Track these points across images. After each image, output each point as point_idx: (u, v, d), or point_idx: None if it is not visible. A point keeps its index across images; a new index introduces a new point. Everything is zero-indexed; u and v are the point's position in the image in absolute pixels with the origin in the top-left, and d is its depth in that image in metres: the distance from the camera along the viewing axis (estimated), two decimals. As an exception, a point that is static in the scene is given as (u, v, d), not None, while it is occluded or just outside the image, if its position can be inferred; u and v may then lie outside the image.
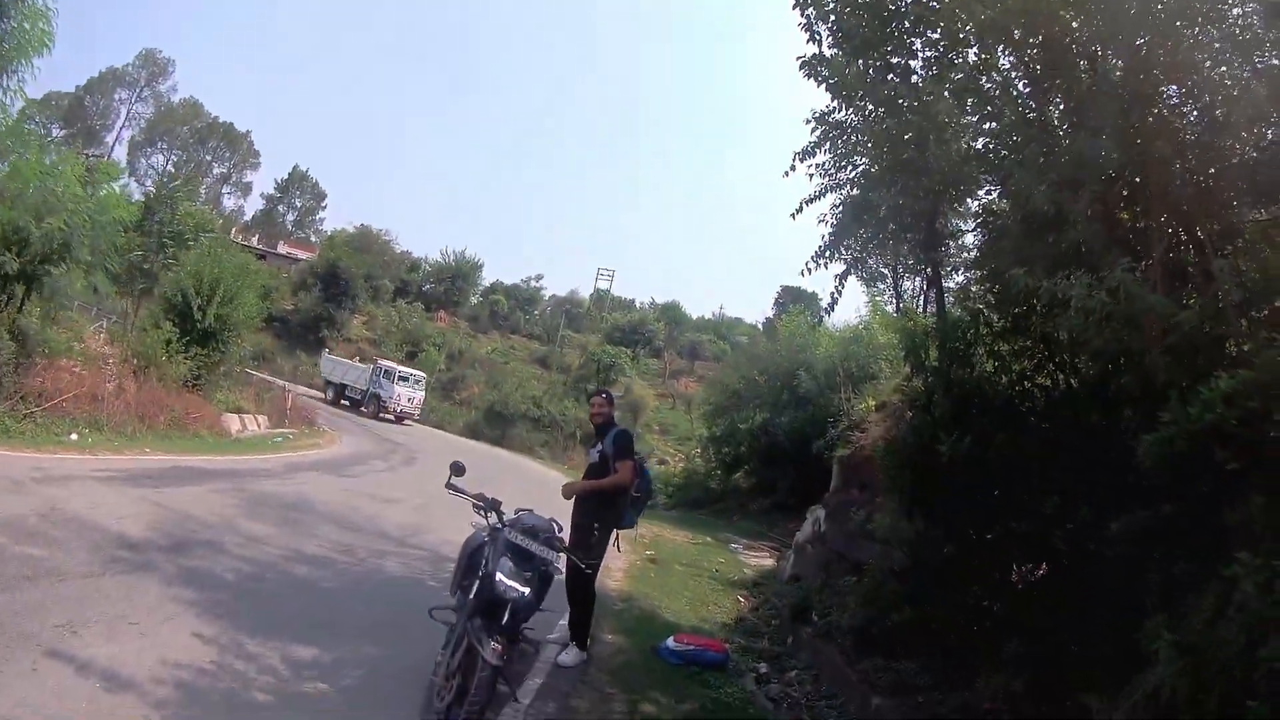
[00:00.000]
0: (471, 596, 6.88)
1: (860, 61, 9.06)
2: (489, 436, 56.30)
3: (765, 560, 20.67)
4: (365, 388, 54.80)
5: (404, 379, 54.68)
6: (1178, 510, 5.63)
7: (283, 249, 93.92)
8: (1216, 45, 6.82)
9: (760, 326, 66.19)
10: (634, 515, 9.80)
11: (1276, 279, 5.69)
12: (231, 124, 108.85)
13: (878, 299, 26.42)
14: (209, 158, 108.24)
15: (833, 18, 9.15)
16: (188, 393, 24.13)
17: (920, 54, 9.10)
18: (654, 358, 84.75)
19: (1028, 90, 8.31)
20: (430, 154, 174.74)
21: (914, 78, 8.99)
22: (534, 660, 8.98)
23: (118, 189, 25.20)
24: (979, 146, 8.85)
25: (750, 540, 24.41)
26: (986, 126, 8.59)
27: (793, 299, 54.42)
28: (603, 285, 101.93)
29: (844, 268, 11.11)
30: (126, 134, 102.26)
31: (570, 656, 9.23)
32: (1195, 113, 7.13)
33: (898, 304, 23.08)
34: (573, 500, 9.53)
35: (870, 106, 9.39)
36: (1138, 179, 7.12)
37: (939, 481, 8.45)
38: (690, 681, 9.40)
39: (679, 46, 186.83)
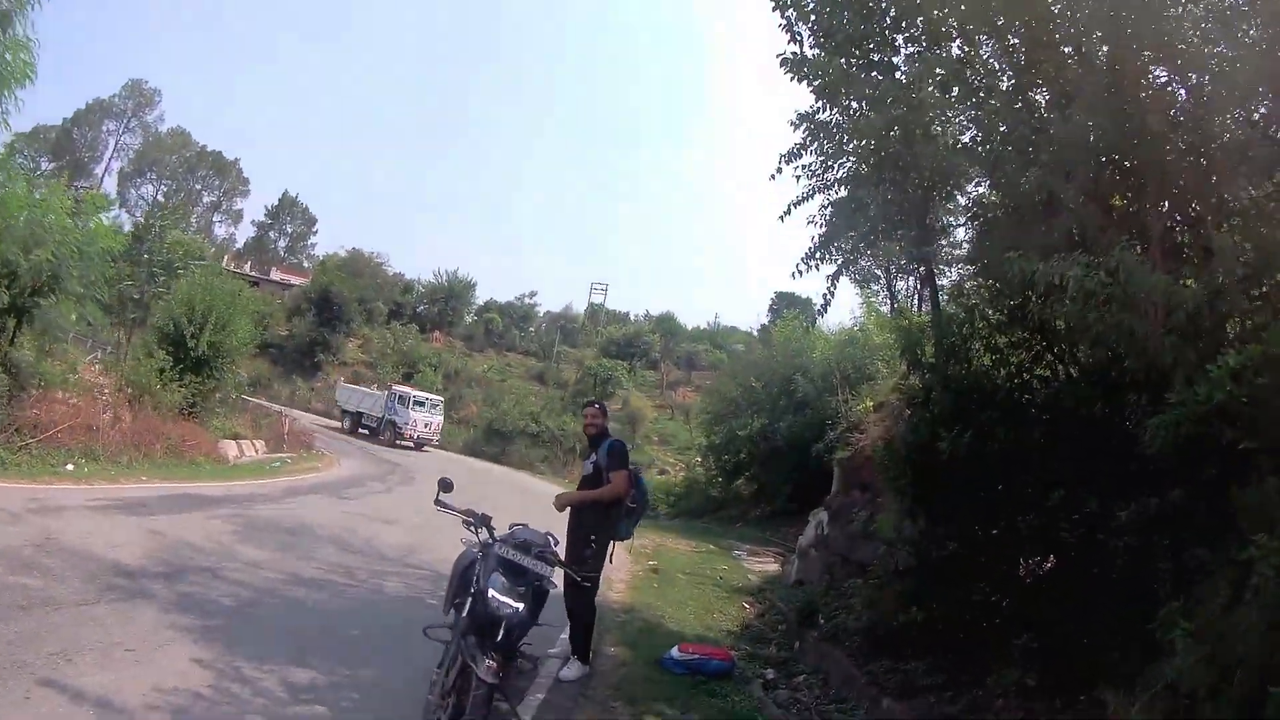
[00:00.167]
0: (464, 614, 6.75)
1: (843, 60, 8.97)
2: (488, 454, 56.08)
3: (769, 566, 20.55)
4: (381, 415, 53.08)
5: (420, 404, 52.89)
6: (1187, 495, 5.54)
7: (275, 275, 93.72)
8: (1203, 25, 6.75)
9: (755, 334, 65.99)
10: (630, 526, 9.70)
11: (1277, 254, 5.59)
12: (220, 152, 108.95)
13: (872, 300, 26.44)
14: (199, 186, 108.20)
15: (813, 17, 9.09)
16: (183, 420, 24.00)
17: (903, 50, 9.03)
18: (651, 369, 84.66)
19: (1013, 81, 8.22)
20: (420, 176, 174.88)
21: (898, 74, 8.89)
22: (535, 676, 8.86)
23: (108, 220, 25.22)
24: (966, 140, 8.79)
25: (753, 546, 24.38)
26: (973, 115, 8.50)
27: (787, 304, 54.17)
28: (597, 299, 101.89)
29: (835, 268, 11.01)
30: (116, 165, 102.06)
31: (572, 671, 9.10)
32: (1184, 92, 7.07)
33: (892, 304, 23.16)
34: (567, 513, 9.41)
35: (855, 105, 9.29)
36: (1129, 162, 7.05)
37: (940, 479, 8.37)
38: (696, 691, 9.23)
39: (665, 55, 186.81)
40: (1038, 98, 8.06)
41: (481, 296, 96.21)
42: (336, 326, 74.76)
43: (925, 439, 8.53)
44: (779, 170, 10.32)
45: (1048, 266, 6.14)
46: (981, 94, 8.17)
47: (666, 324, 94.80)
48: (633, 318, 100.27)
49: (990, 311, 8.64)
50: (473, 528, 7.39)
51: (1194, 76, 6.89)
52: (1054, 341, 7.88)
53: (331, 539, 15.31)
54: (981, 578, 8.13)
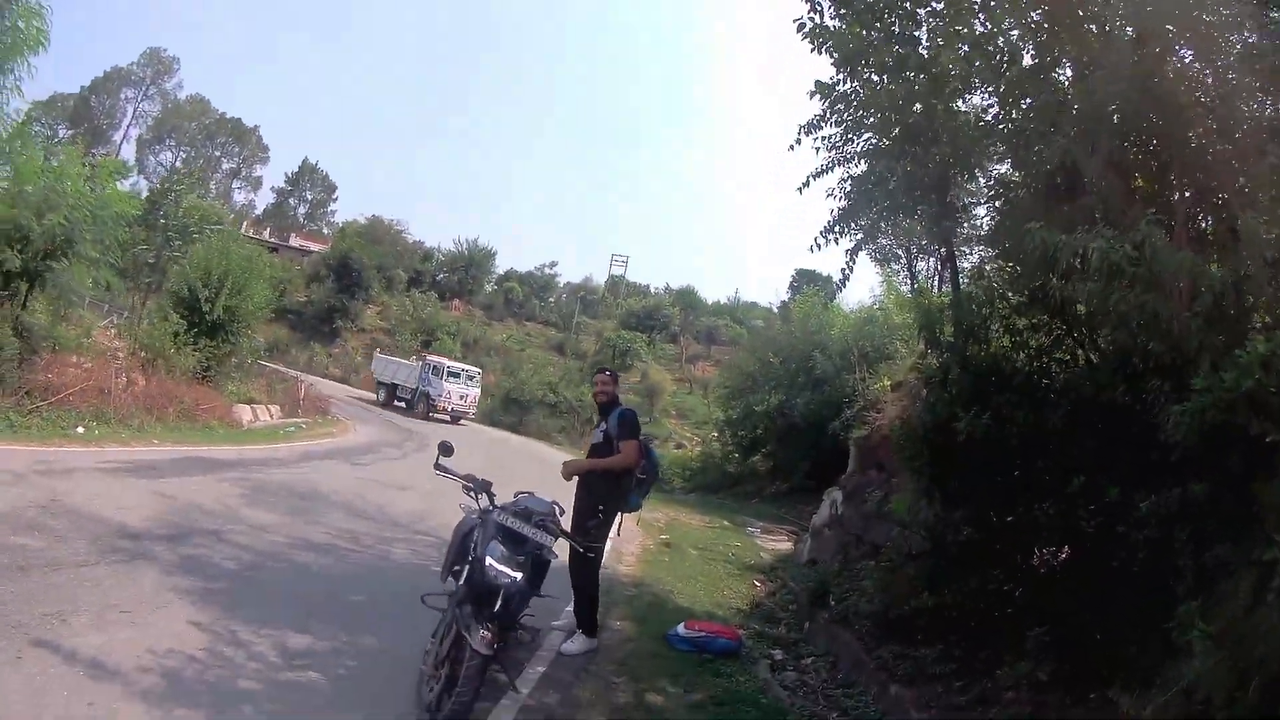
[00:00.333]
0: (461, 582, 6.66)
1: (864, 31, 8.78)
2: (506, 423, 55.90)
3: (783, 544, 20.45)
4: (415, 386, 51.36)
5: (454, 375, 51.09)
6: (1210, 488, 5.34)
7: (295, 241, 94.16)
8: (1223, 11, 6.54)
9: (775, 310, 65.77)
10: (639, 497, 9.67)
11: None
12: (239, 119, 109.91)
13: (892, 279, 26.21)
14: (218, 153, 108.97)
15: (834, -14, 8.92)
16: (198, 384, 24.08)
17: (924, 23, 8.83)
18: (670, 343, 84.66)
19: (1035, 59, 8.03)
20: (441, 143, 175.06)
21: (920, 48, 8.71)
22: (536, 649, 8.76)
23: (127, 186, 25.20)
24: (988, 118, 8.61)
25: (768, 523, 24.28)
26: (995, 90, 8.31)
27: (807, 281, 53.81)
28: (617, 271, 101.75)
29: (854, 243, 10.84)
30: (134, 132, 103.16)
31: (577, 644, 8.99)
32: (1209, 75, 6.86)
33: (913, 283, 22.88)
34: (575, 482, 9.27)
35: (875, 77, 9.11)
36: (1153, 142, 6.88)
37: (957, 460, 8.18)
38: (701, 670, 9.11)
39: (664, 55, 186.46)
40: (1060, 75, 7.87)
41: (502, 266, 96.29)
42: (355, 293, 75.16)
43: (942, 419, 8.33)
44: (798, 141, 10.12)
45: (1071, 239, 5.94)
46: (1004, 70, 7.97)
47: (687, 298, 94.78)
48: (653, 290, 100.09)
49: (1010, 294, 8.45)
50: (473, 494, 7.32)
51: (1219, 60, 6.69)
52: (1074, 325, 7.67)
53: (341, 504, 15.29)
54: (996, 565, 7.96)
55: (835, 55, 8.97)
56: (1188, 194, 6.66)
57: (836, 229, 10.36)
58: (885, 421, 14.56)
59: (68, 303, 20.39)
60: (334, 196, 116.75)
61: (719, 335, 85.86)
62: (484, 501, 7.26)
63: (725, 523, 24.03)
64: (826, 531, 15.32)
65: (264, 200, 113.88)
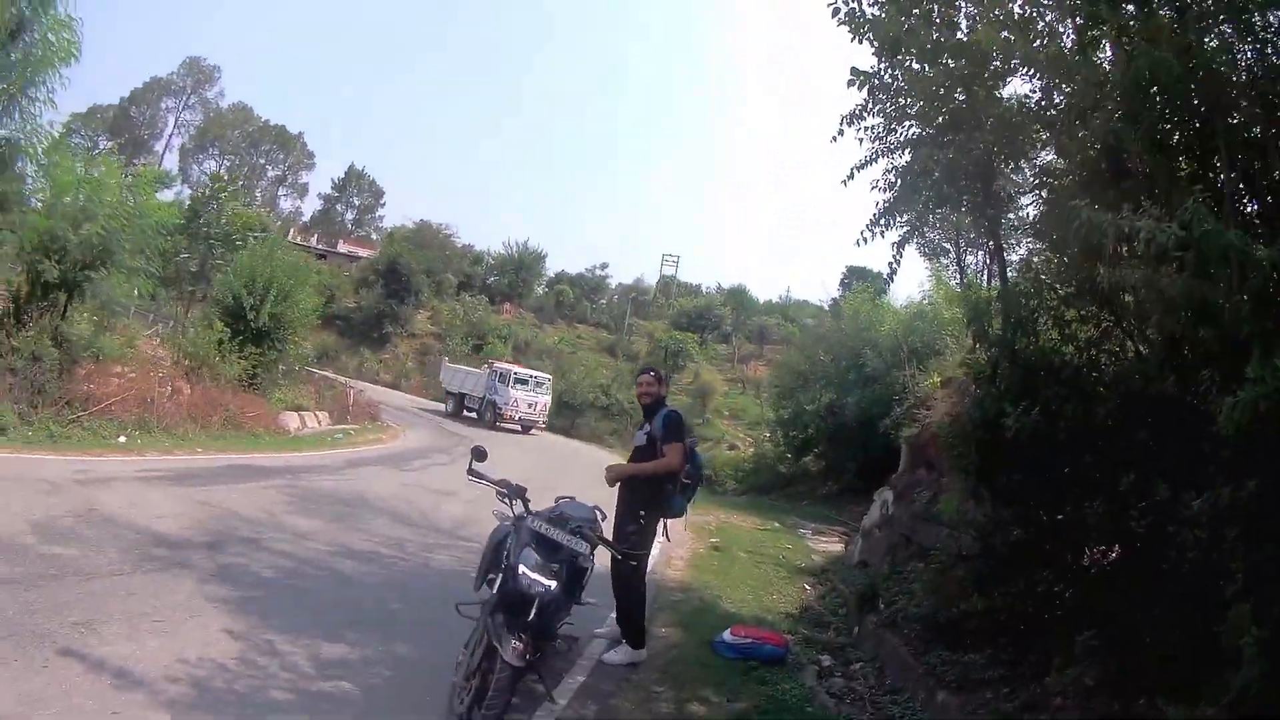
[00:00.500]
0: (494, 591, 6.52)
1: (902, 17, 8.58)
2: (558, 427, 55.09)
3: (834, 545, 20.18)
4: (482, 395, 49.12)
5: (521, 381, 48.39)
6: (1262, 484, 5.08)
7: (343, 248, 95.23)
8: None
9: (826, 307, 65.50)
10: (683, 502, 9.29)
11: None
12: (283, 126, 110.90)
13: (941, 274, 25.93)
14: (262, 161, 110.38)
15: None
16: (244, 392, 24.22)
17: (964, 8, 8.62)
18: (722, 343, 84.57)
19: (1074, 41, 7.82)
20: (488, 147, 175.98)
21: (960, 33, 8.51)
22: (577, 658, 8.60)
23: (171, 195, 25.44)
24: (1030, 103, 8.39)
25: (819, 524, 24.00)
26: (1036, 75, 8.10)
27: (857, 277, 53.42)
28: (668, 271, 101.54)
29: (901, 236, 10.65)
30: (177, 142, 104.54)
31: (620, 655, 8.78)
32: (1250, 51, 6.61)
33: (961, 277, 22.59)
34: (617, 486, 9.04)
35: (916, 64, 8.91)
36: (1196, 120, 6.63)
37: (1005, 458, 7.95)
38: (746, 678, 8.86)
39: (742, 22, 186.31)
40: (1100, 57, 7.64)
41: (552, 268, 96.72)
42: (405, 298, 75.59)
43: (990, 415, 8.10)
44: (840, 133, 9.96)
45: (1117, 219, 5.70)
46: (1043, 56, 7.75)
47: (738, 297, 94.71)
48: (704, 290, 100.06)
49: (1058, 285, 8.22)
50: (507, 500, 7.15)
51: (1259, 35, 6.46)
52: (1123, 315, 7.44)
53: (386, 510, 15.24)
54: (1045, 566, 7.72)
55: (875, 43, 8.81)
56: (1233, 175, 6.40)
57: (882, 222, 10.21)
58: (935, 419, 14.30)
59: (110, 313, 20.58)
60: (381, 202, 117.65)
61: (771, 334, 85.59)
62: (518, 508, 7.10)
63: (776, 524, 23.76)
64: (877, 532, 15.10)
65: (311, 207, 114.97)
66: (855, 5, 8.81)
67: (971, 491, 8.94)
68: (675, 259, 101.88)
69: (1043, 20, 7.99)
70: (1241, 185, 6.45)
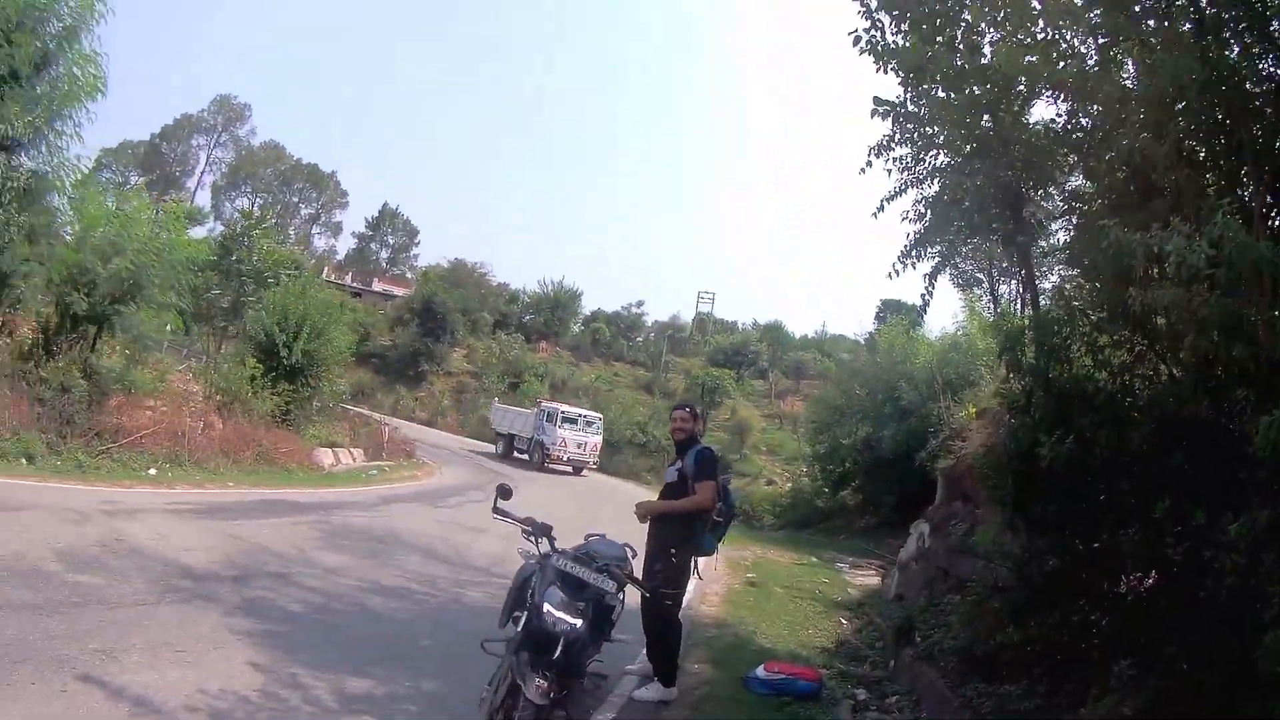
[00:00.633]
0: (519, 629, 6.42)
1: (926, 46, 8.54)
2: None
3: (871, 579, 20.01)
4: (531, 435, 47.66)
5: (569, 420, 46.91)
6: (1301, 507, 4.97)
7: (378, 286, 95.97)
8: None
9: (862, 341, 65.28)
10: (714, 541, 9.23)
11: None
12: (316, 165, 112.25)
13: (975, 304, 25.83)
14: (295, 199, 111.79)
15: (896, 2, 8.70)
16: (277, 428, 24.43)
17: (987, 33, 8.58)
18: (759, 379, 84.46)
19: (1097, 62, 7.75)
20: (524, 185, 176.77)
21: (983, 59, 8.46)
22: (608, 695, 8.49)
23: (204, 232, 25.75)
24: (1056, 126, 8.33)
25: (856, 558, 23.83)
26: (1061, 94, 8.05)
27: (892, 311, 53.16)
28: (704, 308, 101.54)
29: (933, 266, 10.58)
30: (209, 178, 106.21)
31: (651, 692, 8.66)
32: (1272, 61, 6.54)
33: (995, 307, 22.49)
34: (648, 523, 8.93)
35: (941, 92, 8.86)
36: (1222, 135, 6.54)
37: (1040, 488, 7.84)
38: (779, 714, 8.72)
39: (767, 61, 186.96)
40: (1124, 76, 7.58)
41: (588, 306, 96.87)
42: (440, 336, 75.85)
43: (1025, 445, 8.00)
44: (869, 164, 9.94)
45: (1145, 237, 5.62)
46: (1067, 76, 7.70)
47: (774, 332, 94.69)
48: (740, 326, 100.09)
49: (1090, 312, 8.12)
50: (532, 538, 7.07)
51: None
52: (1155, 339, 7.33)
53: (419, 547, 15.25)
54: (1082, 595, 7.59)
55: (900, 72, 8.77)
56: (1261, 188, 6.31)
57: (914, 253, 10.17)
58: (970, 450, 14.19)
59: (142, 347, 20.85)
60: (416, 241, 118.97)
61: (807, 369, 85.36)
62: (544, 546, 7.01)
63: (813, 559, 23.66)
64: (914, 565, 14.96)
65: (345, 245, 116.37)
66: (876, 34, 8.77)
67: (1008, 522, 8.86)
68: (711, 295, 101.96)
69: (1065, 41, 7.94)
70: (1269, 199, 6.35)
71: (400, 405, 66.99)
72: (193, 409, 21.59)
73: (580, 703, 7.64)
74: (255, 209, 75.96)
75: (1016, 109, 8.40)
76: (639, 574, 8.13)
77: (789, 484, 47.70)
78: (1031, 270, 10.91)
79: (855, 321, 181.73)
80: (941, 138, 9.43)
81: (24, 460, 15.45)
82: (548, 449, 45.45)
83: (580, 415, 48.49)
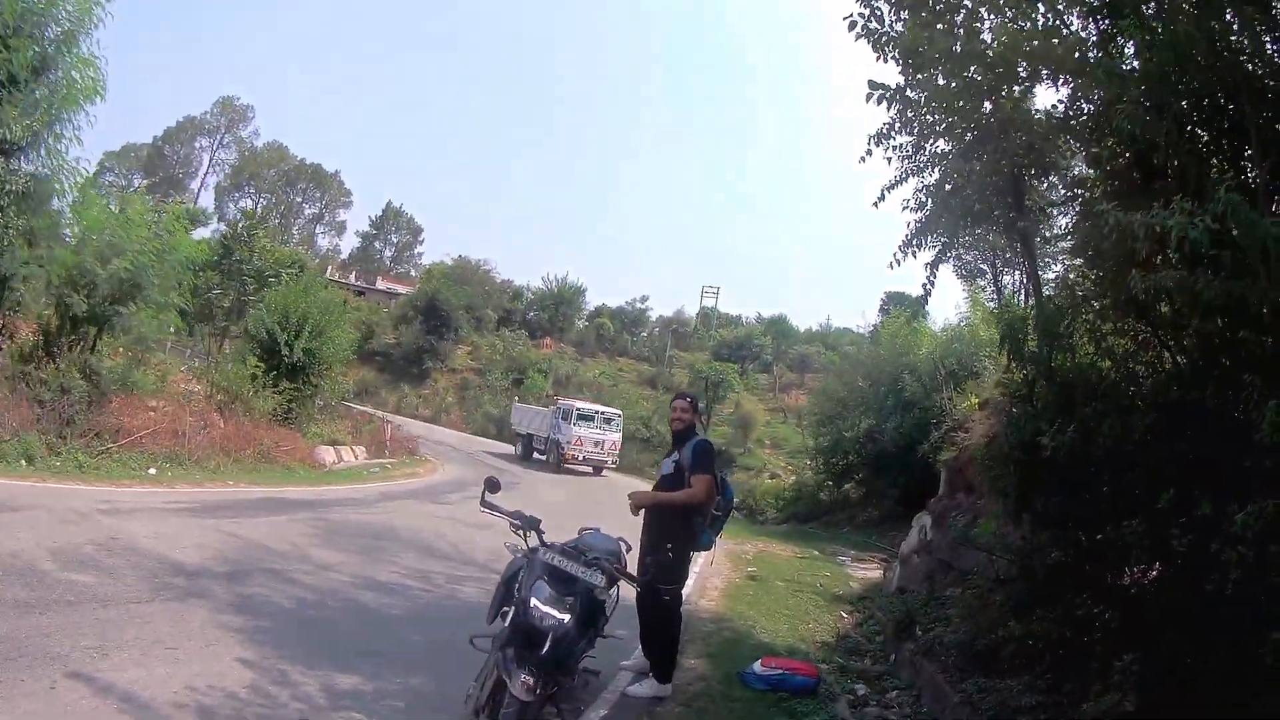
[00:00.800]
0: (506, 624, 6.32)
1: (925, 31, 8.40)
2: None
3: (873, 572, 19.85)
4: (547, 434, 45.79)
5: (585, 417, 44.49)
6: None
7: (382, 284, 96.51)
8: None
9: (866, 334, 65.39)
10: (712, 536, 8.99)
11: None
12: (319, 165, 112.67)
13: (978, 295, 25.78)
14: (299, 199, 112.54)
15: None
16: (278, 427, 24.56)
17: (986, 19, 8.43)
18: (763, 372, 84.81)
19: (1098, 49, 7.61)
20: (524, 181, 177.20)
21: (983, 44, 8.32)
22: (601, 690, 8.35)
23: (208, 232, 25.92)
24: (1058, 114, 8.19)
25: (858, 552, 23.71)
26: (1062, 78, 7.92)
27: (896, 303, 53.01)
28: (708, 302, 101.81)
29: (934, 255, 10.47)
30: (212, 180, 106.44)
31: (644, 688, 8.52)
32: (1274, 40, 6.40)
33: (998, 298, 22.42)
34: (642, 515, 8.78)
35: (942, 79, 8.71)
36: (1224, 118, 6.41)
37: (1043, 479, 7.71)
38: (775, 710, 8.62)
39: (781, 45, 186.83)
40: (1125, 57, 7.45)
41: (592, 302, 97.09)
42: (444, 334, 76.39)
43: (1027, 435, 7.90)
44: (868, 153, 9.84)
45: (1146, 217, 5.47)
46: (1066, 57, 7.56)
47: (778, 326, 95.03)
48: (744, 320, 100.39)
49: (1094, 301, 7.99)
50: (520, 531, 6.94)
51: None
52: (1159, 326, 7.20)
53: (416, 543, 15.22)
54: (1085, 588, 7.46)
55: (899, 59, 8.63)
56: (1265, 167, 6.16)
57: (914, 242, 10.05)
58: (973, 441, 14.09)
59: (144, 347, 20.91)
60: (420, 239, 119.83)
61: (811, 363, 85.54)
62: (532, 540, 6.90)
63: (816, 552, 23.52)
64: (915, 558, 14.84)
65: (349, 244, 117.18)
66: (873, 23, 8.62)
67: (1010, 514, 8.74)
68: (715, 290, 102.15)
69: (1066, 27, 7.80)
70: (1271, 178, 6.21)
71: (404, 403, 67.40)
72: (194, 408, 21.64)
73: (572, 699, 7.53)
74: (257, 209, 76.17)
75: (1018, 94, 8.27)
76: (634, 568, 7.99)
77: (792, 478, 47.64)
78: (1034, 259, 10.80)
79: (859, 314, 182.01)
80: (943, 125, 9.32)
81: (23, 461, 15.46)
82: (563, 448, 43.53)
83: (597, 412, 46.12)
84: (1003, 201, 9.57)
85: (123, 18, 17.88)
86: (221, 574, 10.39)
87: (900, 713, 9.02)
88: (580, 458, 43.89)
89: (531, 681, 5.87)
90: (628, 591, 7.91)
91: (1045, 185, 9.78)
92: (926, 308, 34.87)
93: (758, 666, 9.49)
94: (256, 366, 25.26)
